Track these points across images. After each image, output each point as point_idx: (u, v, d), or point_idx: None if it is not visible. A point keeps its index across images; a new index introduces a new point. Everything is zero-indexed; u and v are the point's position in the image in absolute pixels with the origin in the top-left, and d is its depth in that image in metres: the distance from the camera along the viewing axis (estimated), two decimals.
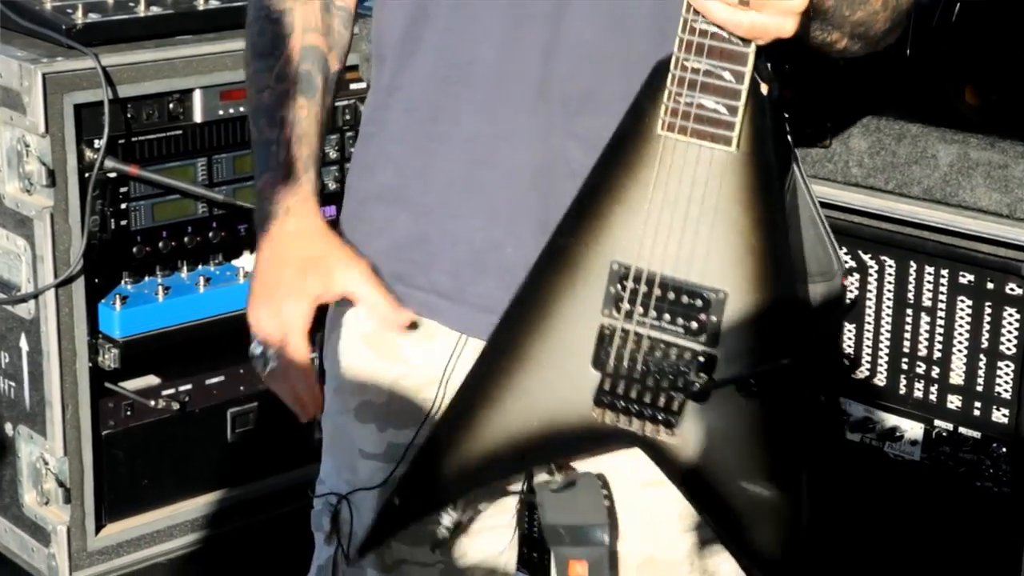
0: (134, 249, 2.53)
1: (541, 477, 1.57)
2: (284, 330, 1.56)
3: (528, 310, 1.48)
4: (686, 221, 1.40)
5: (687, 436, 1.44)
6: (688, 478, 1.45)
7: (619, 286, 1.43)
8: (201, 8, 2.66)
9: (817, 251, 1.49)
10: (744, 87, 1.37)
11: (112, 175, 2.48)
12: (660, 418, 1.44)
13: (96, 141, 2.44)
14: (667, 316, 1.42)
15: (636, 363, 1.44)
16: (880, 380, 2.24)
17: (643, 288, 1.43)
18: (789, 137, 1.47)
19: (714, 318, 1.41)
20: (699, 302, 1.41)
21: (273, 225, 1.59)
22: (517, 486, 1.62)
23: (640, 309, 1.43)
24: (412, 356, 1.63)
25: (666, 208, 1.41)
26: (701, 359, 1.42)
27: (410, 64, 1.59)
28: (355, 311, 1.65)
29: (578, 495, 1.55)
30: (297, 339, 1.56)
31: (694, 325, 1.41)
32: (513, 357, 1.49)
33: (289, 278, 1.56)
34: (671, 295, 1.42)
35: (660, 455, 1.46)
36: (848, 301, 1.49)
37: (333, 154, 2.73)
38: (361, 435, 1.67)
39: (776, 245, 1.39)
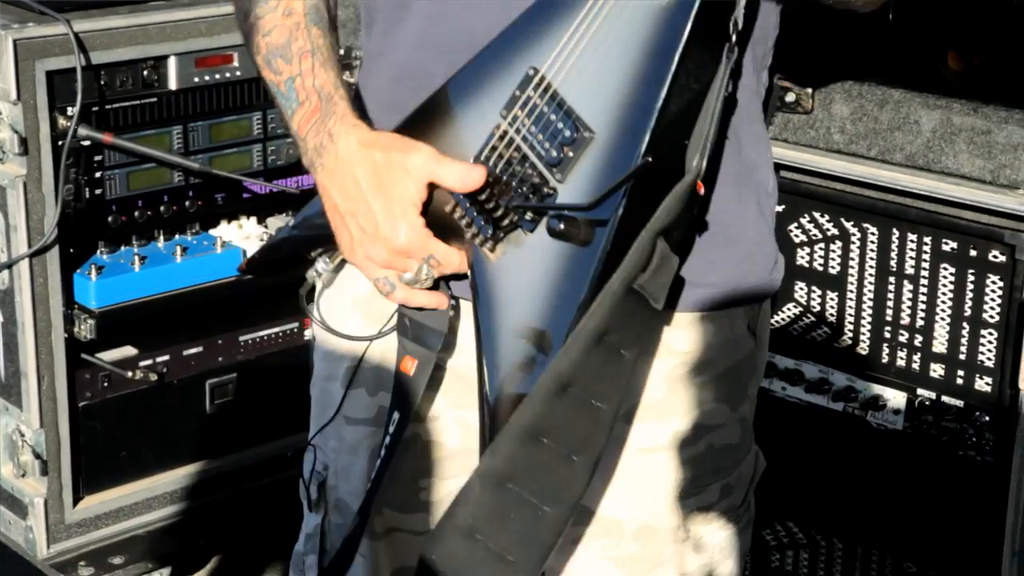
0: (109, 218, 2.51)
1: None
2: (417, 251, 1.50)
3: (459, 88, 1.50)
4: (599, 49, 1.40)
5: (501, 258, 1.46)
6: (484, 302, 1.47)
7: (520, 90, 1.44)
8: None
9: (692, 150, 1.45)
10: None
11: (86, 143, 2.44)
12: (490, 232, 1.46)
13: (69, 108, 2.41)
14: (540, 135, 1.43)
15: (497, 169, 1.45)
16: (863, 349, 2.23)
17: (536, 97, 1.43)
18: (735, 41, 1.43)
19: (571, 154, 1.41)
20: (568, 132, 1.41)
21: (326, 158, 1.52)
22: None
23: (525, 118, 1.44)
24: None
25: (591, 30, 1.41)
26: (544, 189, 1.43)
27: (397, 31, 1.57)
28: (343, 275, 1.64)
29: None
30: (434, 247, 1.50)
31: (554, 154, 1.42)
32: (424, 123, 1.51)
33: (380, 207, 1.49)
34: (552, 115, 1.42)
35: (475, 266, 1.48)
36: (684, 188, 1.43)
37: None
38: (348, 401, 1.65)
39: (654, 112, 1.38)
